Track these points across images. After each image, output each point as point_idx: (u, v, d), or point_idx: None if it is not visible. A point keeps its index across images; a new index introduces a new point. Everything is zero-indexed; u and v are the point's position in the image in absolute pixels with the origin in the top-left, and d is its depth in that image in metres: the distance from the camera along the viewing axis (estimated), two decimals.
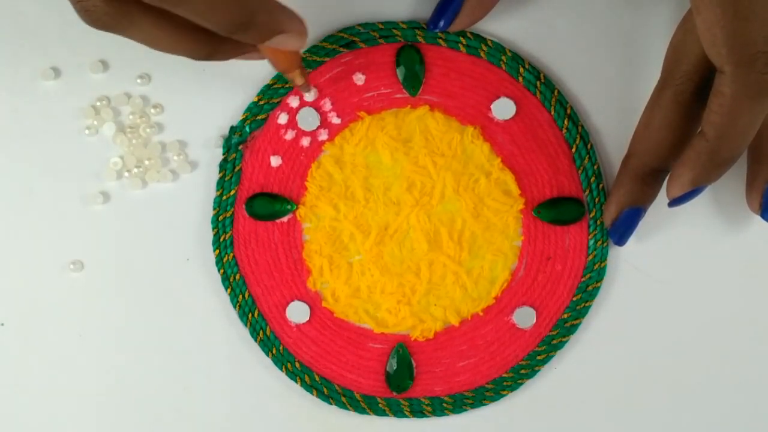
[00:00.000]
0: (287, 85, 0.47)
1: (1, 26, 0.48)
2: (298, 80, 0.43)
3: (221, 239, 0.47)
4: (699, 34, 0.37)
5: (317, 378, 0.48)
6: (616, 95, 0.47)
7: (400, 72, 0.47)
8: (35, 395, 0.48)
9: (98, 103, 0.47)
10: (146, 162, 0.48)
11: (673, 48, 0.43)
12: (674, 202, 0.42)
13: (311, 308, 0.47)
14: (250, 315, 0.47)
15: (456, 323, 0.47)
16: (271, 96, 0.47)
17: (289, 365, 0.48)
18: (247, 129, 0.47)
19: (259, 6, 0.37)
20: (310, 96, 0.47)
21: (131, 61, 0.47)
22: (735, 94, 0.37)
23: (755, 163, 0.45)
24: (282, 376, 0.48)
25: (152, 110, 0.47)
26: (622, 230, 0.46)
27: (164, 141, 0.48)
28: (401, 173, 0.47)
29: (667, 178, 0.44)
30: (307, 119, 0.47)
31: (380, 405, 0.48)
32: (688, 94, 0.42)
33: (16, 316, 0.48)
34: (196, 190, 0.48)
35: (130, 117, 0.48)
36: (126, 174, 0.48)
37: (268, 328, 0.47)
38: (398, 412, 0.48)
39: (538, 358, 0.48)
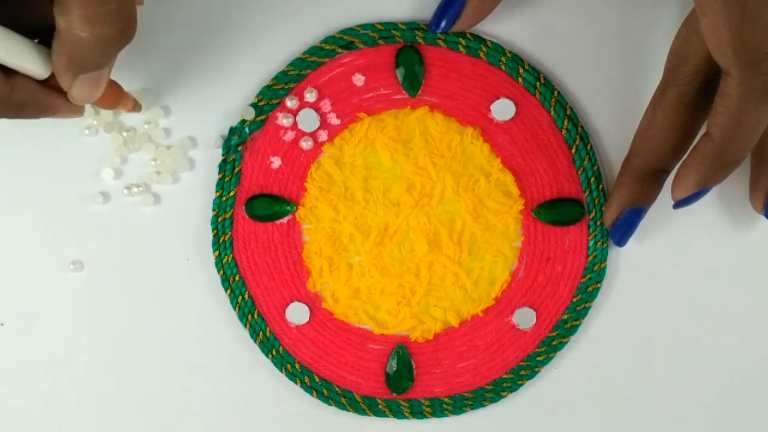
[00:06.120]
0: (287, 86, 0.47)
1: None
2: (128, 108, 0.45)
3: (221, 240, 0.47)
4: (704, 36, 0.37)
5: (317, 379, 0.48)
6: (616, 95, 0.47)
7: (399, 73, 0.47)
8: (35, 395, 0.48)
9: None
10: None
11: (676, 49, 0.43)
12: (679, 204, 0.42)
13: (311, 309, 0.47)
14: (249, 316, 0.47)
15: (456, 324, 0.47)
16: (271, 97, 0.47)
17: (288, 366, 0.48)
18: (247, 130, 0.47)
19: (25, 100, 0.38)
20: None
21: (132, 60, 0.47)
22: (741, 96, 0.37)
23: (759, 163, 0.45)
24: (282, 377, 0.48)
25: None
26: (622, 231, 0.46)
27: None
28: (401, 174, 0.47)
29: (668, 178, 0.44)
30: (307, 120, 0.47)
31: (380, 406, 0.48)
32: (691, 95, 0.42)
33: (16, 316, 0.48)
34: (196, 191, 0.48)
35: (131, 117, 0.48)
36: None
37: (267, 330, 0.47)
38: (398, 413, 0.48)
39: (538, 359, 0.48)
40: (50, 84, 0.39)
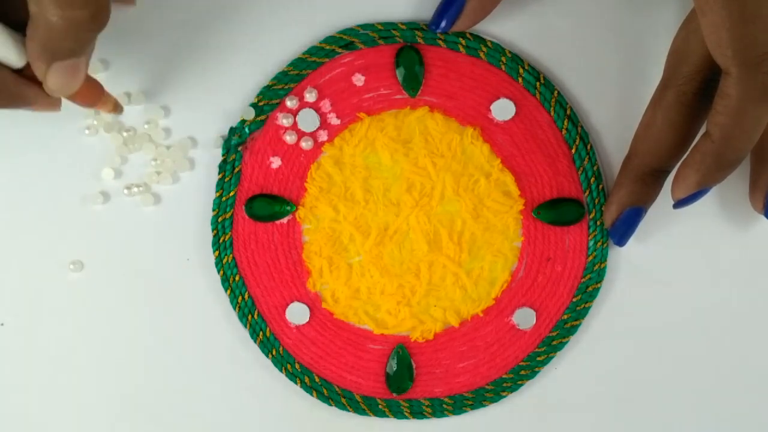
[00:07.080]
0: (287, 86, 0.47)
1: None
2: (108, 108, 0.43)
3: (221, 240, 0.47)
4: (704, 35, 0.37)
5: (317, 379, 0.48)
6: (616, 95, 0.47)
7: (399, 73, 0.47)
8: (35, 395, 0.48)
9: None
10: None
11: (676, 49, 0.43)
12: (679, 204, 0.42)
13: (311, 309, 0.47)
14: (249, 316, 0.47)
15: (456, 324, 0.47)
16: (271, 97, 0.47)
17: (288, 366, 0.48)
18: (247, 130, 0.47)
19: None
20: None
21: (132, 60, 0.47)
22: (741, 96, 0.37)
23: (759, 163, 0.45)
24: (282, 377, 0.48)
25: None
26: (622, 230, 0.46)
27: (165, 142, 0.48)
28: (401, 174, 0.47)
29: (668, 178, 0.44)
30: (307, 120, 0.47)
31: (380, 406, 0.48)
32: (691, 94, 0.42)
33: (16, 316, 0.48)
34: (196, 191, 0.48)
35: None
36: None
37: (267, 330, 0.47)
38: (398, 414, 0.48)
39: (538, 359, 0.48)
40: (26, 74, 0.39)
